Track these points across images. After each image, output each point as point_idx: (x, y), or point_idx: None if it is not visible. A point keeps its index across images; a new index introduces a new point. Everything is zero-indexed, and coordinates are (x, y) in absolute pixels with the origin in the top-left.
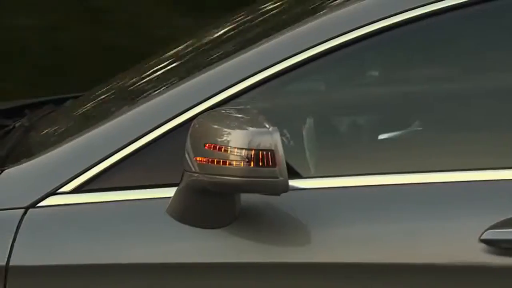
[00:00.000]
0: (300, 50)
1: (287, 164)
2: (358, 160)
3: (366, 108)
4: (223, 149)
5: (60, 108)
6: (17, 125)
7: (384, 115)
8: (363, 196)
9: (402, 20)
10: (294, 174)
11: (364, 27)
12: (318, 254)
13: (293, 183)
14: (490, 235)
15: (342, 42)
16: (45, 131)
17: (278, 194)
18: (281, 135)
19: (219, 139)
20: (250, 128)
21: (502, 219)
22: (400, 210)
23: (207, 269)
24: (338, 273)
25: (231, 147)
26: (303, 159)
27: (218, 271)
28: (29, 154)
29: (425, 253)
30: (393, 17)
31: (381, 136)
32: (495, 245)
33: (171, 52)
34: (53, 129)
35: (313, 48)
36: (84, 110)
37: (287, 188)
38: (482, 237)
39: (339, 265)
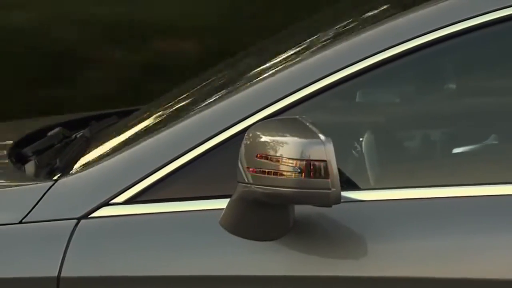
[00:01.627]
0: (357, 59)
1: (345, 176)
2: (417, 172)
3: (428, 120)
4: (275, 159)
5: (121, 121)
6: (78, 136)
7: (446, 127)
8: (421, 209)
9: (481, 23)
10: (351, 185)
11: (428, 34)
12: (373, 268)
13: (350, 194)
14: None
15: (401, 51)
16: (102, 143)
17: (330, 206)
18: (344, 146)
19: (271, 150)
20: (303, 139)
21: None
22: (460, 224)
23: (260, 282)
24: (392, 287)
25: (283, 157)
26: (361, 171)
27: (271, 284)
28: (84, 165)
29: (486, 269)
30: (472, 19)
31: (443, 148)
32: None
33: (226, 63)
34: (109, 141)
35: (370, 58)
36: (139, 122)
37: (339, 200)
38: None
39: (394, 279)
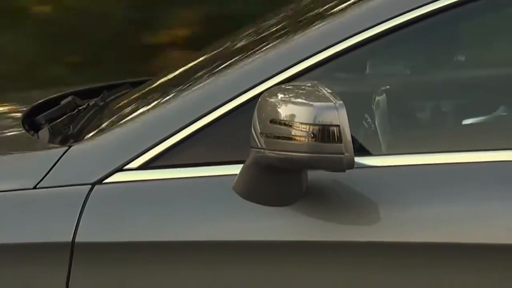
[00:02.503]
0: (372, 24)
1: (357, 141)
2: (429, 138)
3: (439, 87)
4: (288, 124)
5: (134, 89)
6: (91, 104)
7: (457, 94)
8: (433, 175)
9: None
10: (364, 151)
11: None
12: (385, 233)
13: (362, 160)
14: None
15: (415, 17)
16: (115, 110)
17: (344, 170)
18: (357, 113)
19: (284, 115)
20: (316, 103)
21: None
22: (473, 189)
23: (273, 247)
24: (406, 253)
25: (296, 122)
26: (373, 137)
27: (284, 249)
28: (97, 131)
29: (496, 234)
30: None
31: (454, 115)
32: None
33: (241, 31)
34: (122, 108)
35: (386, 22)
36: (152, 89)
37: (352, 165)
38: None
39: (407, 245)
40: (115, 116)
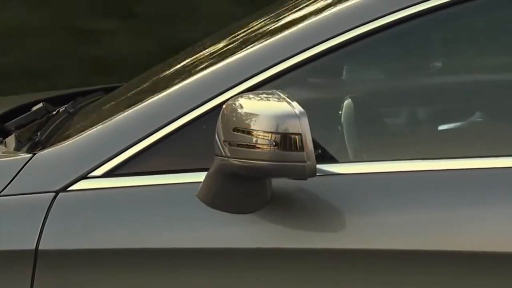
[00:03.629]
0: (335, 34)
1: (322, 149)
2: (394, 146)
3: (405, 94)
4: (251, 133)
5: (104, 96)
6: (61, 110)
7: (424, 101)
8: (398, 183)
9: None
10: (329, 158)
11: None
12: (350, 241)
13: (328, 168)
14: None
15: (379, 26)
16: (82, 117)
17: (306, 179)
18: (323, 120)
19: (247, 123)
20: (277, 112)
21: None
22: (437, 197)
23: (237, 254)
24: (370, 260)
25: (259, 131)
26: (338, 144)
27: (248, 257)
28: (63, 138)
29: (462, 241)
30: None
31: (420, 122)
32: None
33: (205, 40)
34: (89, 115)
35: (349, 32)
36: (119, 96)
37: (314, 173)
38: None
39: (371, 252)
40: (81, 123)
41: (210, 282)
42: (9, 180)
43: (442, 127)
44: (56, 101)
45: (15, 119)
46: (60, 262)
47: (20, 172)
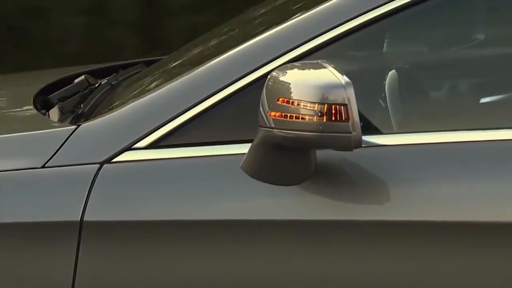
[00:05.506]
0: (381, 3)
1: (367, 120)
2: (438, 117)
3: (449, 66)
4: (296, 103)
5: (146, 68)
6: (103, 83)
7: (468, 74)
8: (442, 154)
9: None
10: (373, 130)
11: None
12: (394, 212)
13: (372, 139)
14: None
15: None
16: (125, 90)
17: (351, 150)
18: (366, 91)
19: (292, 94)
20: (323, 82)
21: None
22: (483, 168)
23: (282, 226)
24: (416, 232)
25: (304, 101)
26: (382, 115)
27: (292, 228)
28: (107, 110)
29: (507, 212)
30: None
31: (463, 93)
32: None
33: (246, 12)
34: (133, 87)
35: (392, 2)
36: (162, 69)
37: (360, 144)
38: None
39: (417, 223)
40: (125, 95)
41: (254, 252)
42: (54, 152)
43: (485, 99)
44: (98, 74)
45: (58, 91)
46: (105, 233)
47: (65, 144)
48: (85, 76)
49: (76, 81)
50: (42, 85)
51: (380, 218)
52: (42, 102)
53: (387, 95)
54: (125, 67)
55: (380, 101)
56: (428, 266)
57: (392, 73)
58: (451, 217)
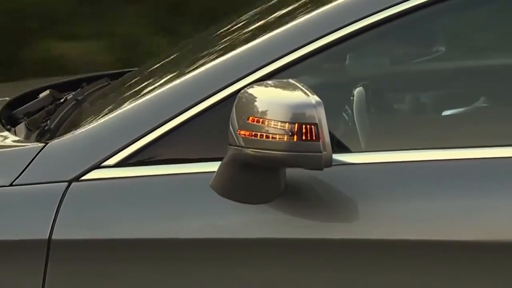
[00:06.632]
0: (349, 22)
1: (336, 139)
2: (407, 135)
3: (418, 83)
4: (266, 122)
5: (113, 82)
6: (68, 98)
7: (437, 90)
8: (412, 172)
9: None
10: (343, 148)
11: None
12: (363, 231)
13: (342, 157)
14: None
15: (393, 14)
16: (92, 105)
17: (322, 169)
18: (336, 109)
19: (262, 112)
20: (294, 101)
21: None
22: (452, 186)
23: (251, 244)
24: (385, 250)
25: (274, 120)
26: (352, 134)
27: (262, 247)
28: (75, 127)
29: (476, 231)
30: None
31: (433, 111)
32: None
33: (218, 28)
34: (100, 103)
35: (361, 20)
36: (132, 84)
37: (330, 163)
38: None
39: (385, 242)
40: (92, 112)
41: (222, 272)
42: (22, 170)
43: (456, 116)
44: (62, 88)
45: (23, 107)
46: (73, 252)
47: (33, 162)
48: (49, 91)
49: (41, 95)
50: (5, 100)
51: (350, 236)
52: (7, 118)
53: (354, 112)
54: (89, 80)
55: (349, 119)
56: (400, 283)
57: (359, 90)
58: (421, 235)
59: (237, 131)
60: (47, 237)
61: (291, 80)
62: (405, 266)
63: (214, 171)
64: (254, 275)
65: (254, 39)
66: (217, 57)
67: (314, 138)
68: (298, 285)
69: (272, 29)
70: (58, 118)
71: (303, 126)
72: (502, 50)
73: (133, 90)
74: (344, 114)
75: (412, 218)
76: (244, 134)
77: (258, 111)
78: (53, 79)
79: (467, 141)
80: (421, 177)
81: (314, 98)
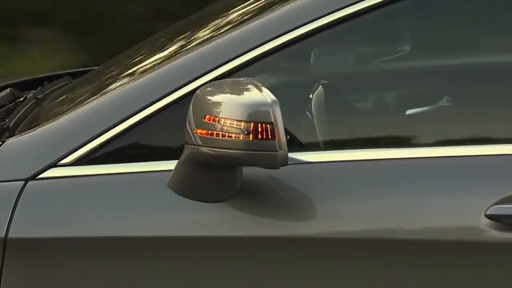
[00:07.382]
0: (306, 21)
1: (292, 137)
2: (363, 134)
3: (376, 82)
4: (222, 121)
5: (73, 81)
6: (28, 97)
7: (395, 89)
8: (367, 171)
9: None
10: (299, 147)
11: None
12: (320, 228)
13: (298, 156)
14: (495, 210)
15: (349, 14)
16: (51, 104)
17: (277, 168)
18: (292, 108)
19: (219, 112)
20: (250, 100)
21: (507, 194)
22: (405, 184)
23: (208, 242)
24: (340, 247)
25: (230, 119)
26: (308, 133)
27: (219, 245)
28: (32, 126)
29: (429, 228)
30: None
31: (390, 111)
32: (499, 221)
33: (175, 27)
34: (59, 102)
35: (318, 20)
36: (89, 83)
37: (286, 162)
38: (487, 213)
39: (341, 239)
40: (50, 110)
41: (177, 270)
42: None
43: (413, 114)
44: (23, 86)
45: None
46: (30, 250)
47: None
48: (10, 89)
49: (0, 94)
50: None
51: (306, 234)
52: None
53: (313, 111)
54: (51, 79)
55: (307, 118)
56: (359, 281)
57: (317, 89)
58: (371, 233)
59: (194, 130)
60: (3, 236)
61: (247, 79)
62: (361, 261)
63: (171, 170)
64: (213, 272)
65: (211, 38)
66: (174, 56)
67: (270, 137)
68: (256, 281)
69: (229, 28)
70: (17, 117)
71: (259, 125)
72: (464, 50)
73: (91, 89)
74: (302, 113)
75: (366, 215)
76: (201, 133)
77: (214, 110)
78: (14, 78)
79: (425, 140)
80: (378, 176)
81: (270, 97)
